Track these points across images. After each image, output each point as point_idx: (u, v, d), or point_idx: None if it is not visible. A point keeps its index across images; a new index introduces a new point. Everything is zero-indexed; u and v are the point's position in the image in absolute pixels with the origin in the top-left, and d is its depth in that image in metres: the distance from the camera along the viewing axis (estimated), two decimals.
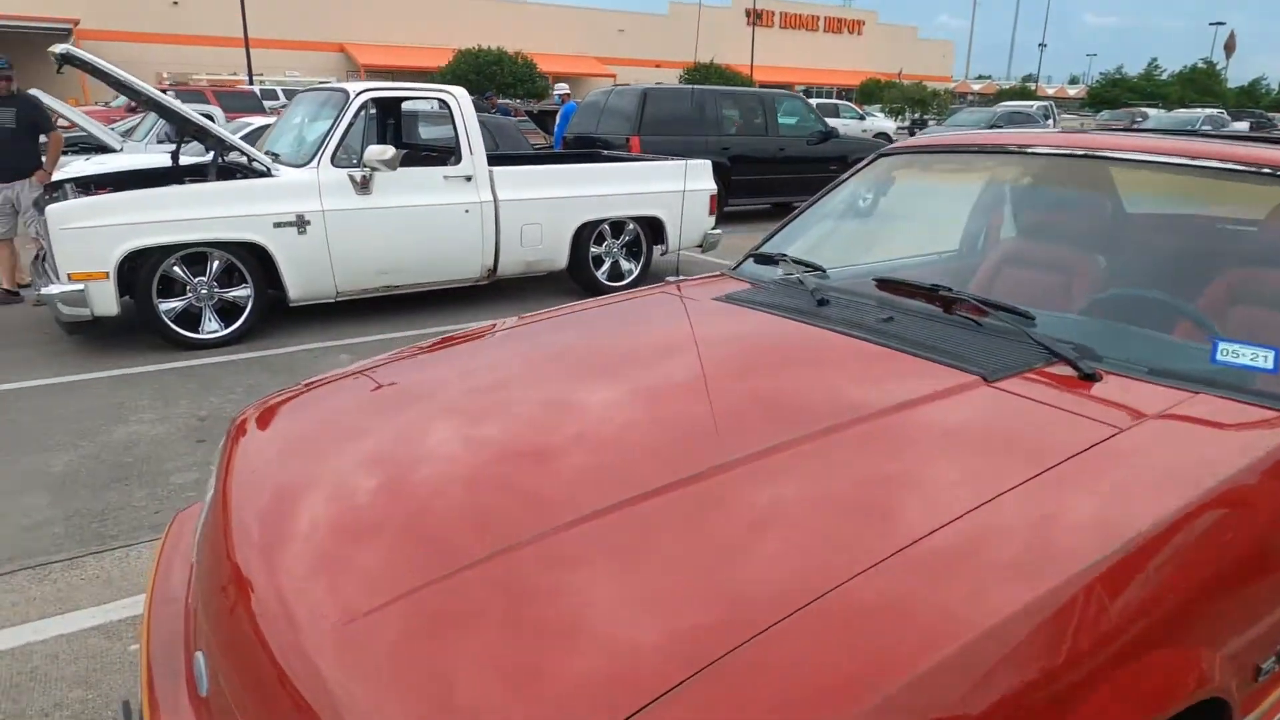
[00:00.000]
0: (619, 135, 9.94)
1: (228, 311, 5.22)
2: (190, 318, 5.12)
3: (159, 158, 9.77)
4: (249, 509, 1.37)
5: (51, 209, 4.60)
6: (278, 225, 5.16)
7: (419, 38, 45.33)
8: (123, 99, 22.07)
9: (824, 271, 2.22)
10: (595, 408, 1.54)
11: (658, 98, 10.05)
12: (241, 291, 5.22)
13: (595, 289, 6.65)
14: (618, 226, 6.67)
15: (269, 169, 5.23)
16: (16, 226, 6.43)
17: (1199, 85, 67.43)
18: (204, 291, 5.12)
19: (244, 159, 5.38)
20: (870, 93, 48.46)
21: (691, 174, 6.90)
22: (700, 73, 43.86)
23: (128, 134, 12.44)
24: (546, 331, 2.07)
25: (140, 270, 4.86)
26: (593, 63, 49.89)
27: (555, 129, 11.30)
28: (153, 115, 12.29)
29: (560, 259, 6.38)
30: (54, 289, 4.66)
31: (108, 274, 4.74)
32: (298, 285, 5.32)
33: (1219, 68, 70.90)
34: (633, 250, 6.85)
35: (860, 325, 1.80)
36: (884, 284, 1.96)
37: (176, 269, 5.00)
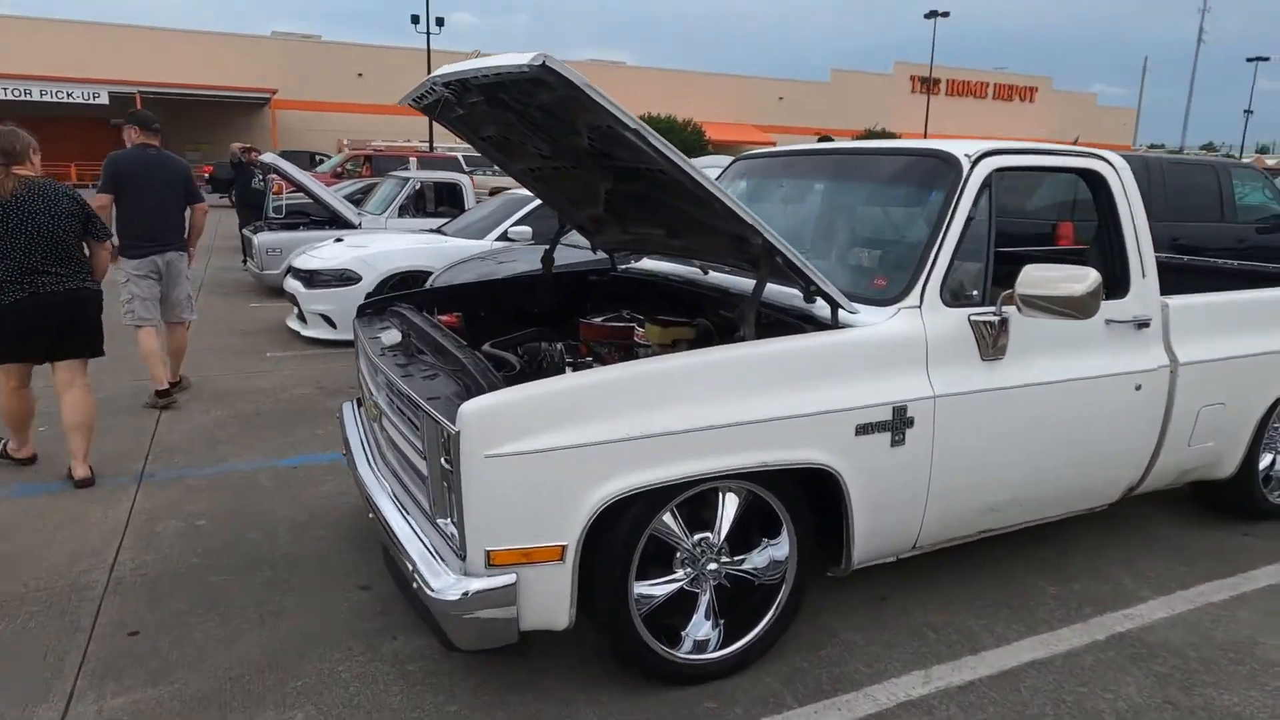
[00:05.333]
0: (1037, 221, 7.08)
1: (725, 595, 2.54)
2: (664, 615, 2.46)
3: (449, 243, 7.16)
4: None
5: (468, 411, 2.04)
6: (863, 431, 2.46)
7: None
8: (332, 162, 20.67)
9: None
10: None
11: None
12: (762, 559, 2.53)
13: (1260, 511, 3.67)
14: None
15: (837, 308, 2.55)
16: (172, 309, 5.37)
17: None
18: (711, 565, 2.47)
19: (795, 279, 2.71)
20: None
21: None
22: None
23: (355, 202, 10.55)
24: None
25: (610, 532, 2.25)
26: (752, 130, 48.19)
27: None
28: (393, 181, 10.38)
29: (1228, 463, 3.44)
30: (458, 588, 2.08)
31: (565, 550, 2.14)
32: (870, 538, 2.58)
33: None
34: None
35: None
36: None
37: (669, 520, 2.37)
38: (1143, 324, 3.01)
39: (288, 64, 37.01)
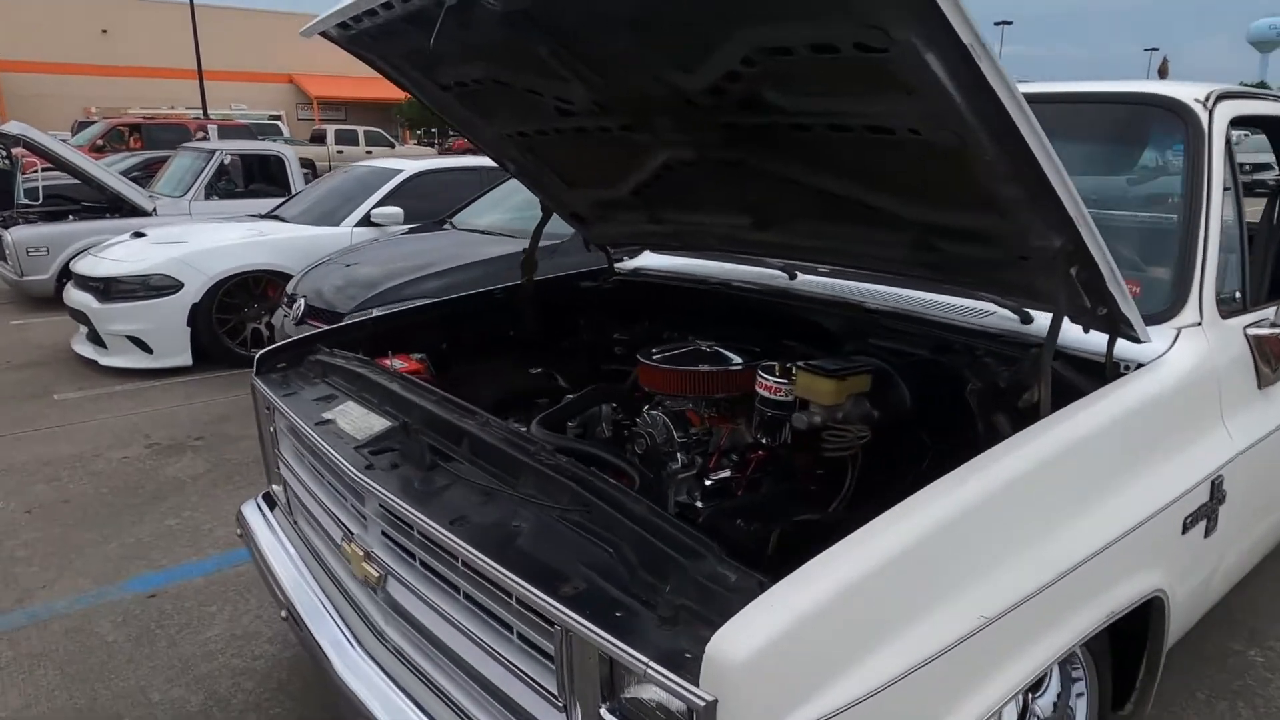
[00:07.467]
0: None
1: None
2: None
3: (295, 233, 5.50)
4: None
5: (738, 661, 0.96)
6: (1189, 524, 1.62)
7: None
8: (90, 132, 16.97)
9: None
10: None
11: None
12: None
13: None
14: None
15: (1121, 338, 1.67)
16: None
17: None
18: None
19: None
20: None
21: None
22: None
23: (135, 180, 8.41)
24: None
25: None
26: None
27: None
28: (191, 155, 8.34)
29: None
30: None
31: None
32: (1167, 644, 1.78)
33: None
34: None
35: None
36: None
37: None
38: None
39: (8, 19, 31.04)
